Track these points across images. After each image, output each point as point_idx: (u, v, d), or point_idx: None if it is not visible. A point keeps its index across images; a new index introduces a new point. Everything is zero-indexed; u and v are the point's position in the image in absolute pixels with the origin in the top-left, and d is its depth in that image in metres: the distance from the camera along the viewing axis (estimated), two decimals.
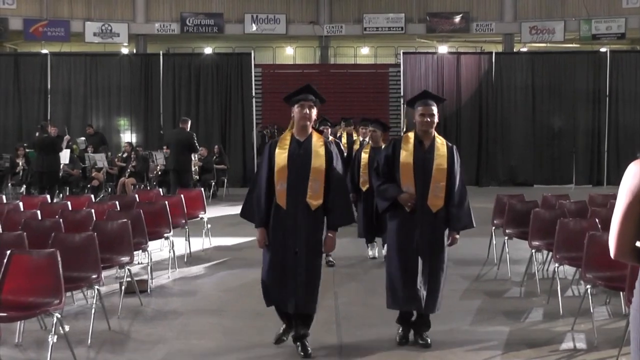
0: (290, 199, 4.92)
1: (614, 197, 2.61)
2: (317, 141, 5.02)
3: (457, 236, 5.32)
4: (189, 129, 13.03)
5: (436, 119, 5.24)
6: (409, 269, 5.15)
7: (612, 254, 2.47)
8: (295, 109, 4.98)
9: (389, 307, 5.35)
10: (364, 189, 8.67)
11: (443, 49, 26.13)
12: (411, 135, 5.32)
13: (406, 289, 5.17)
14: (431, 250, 5.19)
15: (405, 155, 5.23)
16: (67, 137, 15.15)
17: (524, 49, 27.34)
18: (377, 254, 8.70)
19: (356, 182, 8.73)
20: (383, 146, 8.43)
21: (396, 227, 5.28)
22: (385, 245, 8.17)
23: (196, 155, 14.76)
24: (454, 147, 5.33)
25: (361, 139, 10.06)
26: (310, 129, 5.07)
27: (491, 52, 20.67)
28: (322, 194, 4.93)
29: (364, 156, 8.75)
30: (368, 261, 8.64)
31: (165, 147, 15.93)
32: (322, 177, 4.93)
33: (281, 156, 4.97)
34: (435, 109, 5.22)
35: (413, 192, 5.17)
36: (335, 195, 4.98)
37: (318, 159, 4.95)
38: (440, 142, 5.28)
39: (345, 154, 10.69)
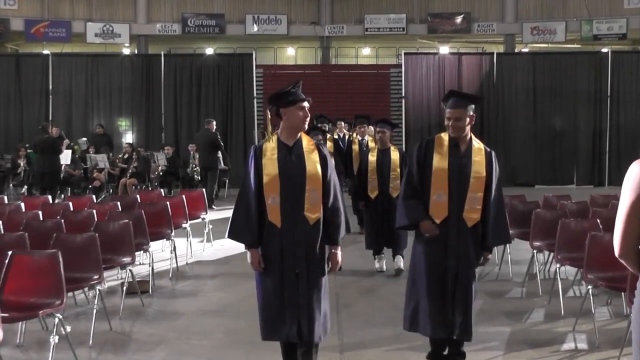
0: (284, 215, 4.26)
1: (616, 197, 2.62)
2: (307, 144, 4.39)
3: (490, 256, 4.76)
4: (214, 129, 14.41)
5: (464, 123, 4.55)
6: (440, 291, 4.56)
7: (616, 253, 2.50)
8: (293, 111, 4.29)
9: (408, 330, 4.80)
10: (372, 196, 7.98)
11: (444, 49, 26.10)
12: (445, 136, 4.66)
13: (437, 315, 4.55)
14: (464, 269, 4.59)
15: (439, 159, 4.58)
16: (66, 141, 15.18)
17: (525, 50, 27.32)
18: (384, 267, 8.08)
19: (364, 188, 8.05)
20: (391, 147, 8.11)
21: (424, 243, 4.64)
22: (397, 258, 7.91)
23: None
24: (493, 152, 4.66)
25: (359, 138, 9.29)
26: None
27: (492, 53, 20.68)
28: (320, 205, 4.31)
29: (371, 159, 8.07)
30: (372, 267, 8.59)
31: (167, 148, 16.01)
32: (320, 185, 4.30)
33: (270, 165, 4.30)
34: (462, 112, 4.52)
35: (445, 200, 4.55)
36: (334, 203, 4.36)
37: (313, 165, 4.31)
38: (478, 147, 4.64)
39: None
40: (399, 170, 7.86)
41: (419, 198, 4.64)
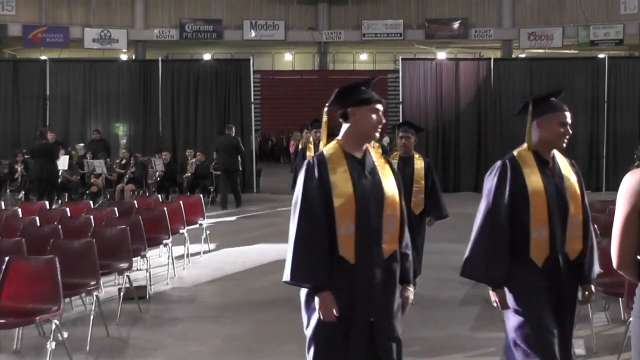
0: (360, 247, 3.31)
1: (613, 202, 2.63)
2: (378, 157, 3.51)
3: (593, 288, 3.71)
4: (234, 134, 15.31)
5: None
6: (549, 348, 3.47)
7: (614, 264, 2.51)
8: (365, 113, 3.42)
9: None
10: None
11: (442, 55, 26.19)
12: (526, 152, 3.73)
13: None
14: (569, 315, 3.63)
15: (534, 181, 3.57)
16: (62, 152, 15.16)
17: (523, 55, 27.41)
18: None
19: None
20: (415, 155, 6.96)
21: (524, 292, 3.54)
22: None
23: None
24: (573, 161, 3.81)
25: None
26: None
27: (490, 58, 20.69)
28: (397, 235, 3.43)
29: None
30: None
31: (164, 153, 16.02)
32: (399, 211, 3.43)
33: (343, 184, 3.33)
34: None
35: (546, 236, 3.54)
36: (406, 233, 3.52)
37: (390, 185, 3.42)
38: (562, 158, 3.75)
39: None
40: (423, 182, 6.83)
41: (505, 249, 3.57)
